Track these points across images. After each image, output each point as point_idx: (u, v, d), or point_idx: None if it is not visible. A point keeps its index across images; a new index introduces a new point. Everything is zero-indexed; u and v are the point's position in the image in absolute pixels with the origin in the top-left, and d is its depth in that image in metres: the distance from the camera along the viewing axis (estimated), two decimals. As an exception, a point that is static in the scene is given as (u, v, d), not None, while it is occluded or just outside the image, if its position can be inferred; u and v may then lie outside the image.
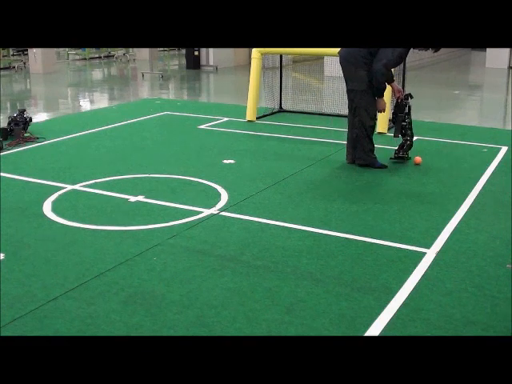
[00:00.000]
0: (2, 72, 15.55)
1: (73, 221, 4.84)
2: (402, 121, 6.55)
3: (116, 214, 5.01)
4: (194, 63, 16.53)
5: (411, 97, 6.56)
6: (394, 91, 6.65)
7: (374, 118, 6.49)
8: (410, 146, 6.61)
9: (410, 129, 6.56)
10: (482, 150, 7.19)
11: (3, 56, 16.37)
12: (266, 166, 6.53)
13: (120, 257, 4.17)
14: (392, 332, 3.25)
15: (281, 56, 9.96)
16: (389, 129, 8.12)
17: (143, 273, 3.94)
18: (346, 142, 6.85)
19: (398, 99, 6.58)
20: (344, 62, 6.42)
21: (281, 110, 9.70)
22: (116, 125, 8.75)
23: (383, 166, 6.43)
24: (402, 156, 6.61)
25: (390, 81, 6.58)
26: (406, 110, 6.52)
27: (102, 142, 7.67)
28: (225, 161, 6.70)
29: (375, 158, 6.48)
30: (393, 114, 6.73)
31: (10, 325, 3.29)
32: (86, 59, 19.24)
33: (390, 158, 6.66)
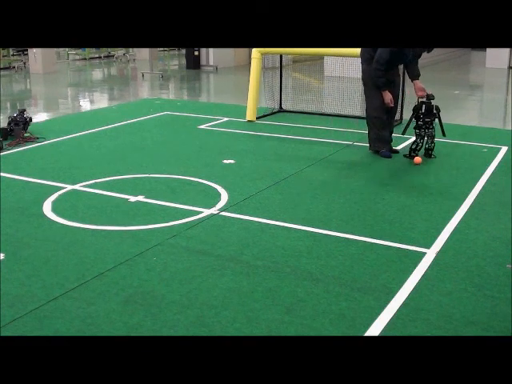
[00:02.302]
0: (2, 72, 15.55)
1: (73, 221, 4.84)
2: (411, 119, 6.70)
3: (116, 214, 5.01)
4: (194, 63, 16.53)
5: (431, 97, 6.62)
6: (415, 89, 6.77)
7: (378, 110, 6.73)
8: (416, 146, 6.67)
9: (425, 129, 6.61)
10: (482, 150, 7.19)
11: (3, 56, 16.37)
12: (266, 165, 6.53)
13: (120, 257, 4.17)
14: (392, 332, 3.25)
15: (281, 56, 9.96)
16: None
17: (143, 273, 3.94)
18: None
19: (418, 98, 6.70)
20: (360, 54, 6.98)
21: (281, 110, 9.70)
22: (116, 125, 8.75)
23: (387, 156, 6.74)
24: (410, 155, 6.71)
25: (414, 78, 6.78)
26: (423, 110, 6.60)
27: (102, 142, 7.67)
28: (225, 161, 6.70)
29: (382, 146, 6.81)
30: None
31: (9, 325, 3.30)
32: (86, 59, 19.24)
33: (404, 155, 6.78)
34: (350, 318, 3.38)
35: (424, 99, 6.64)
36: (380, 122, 6.81)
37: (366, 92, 6.90)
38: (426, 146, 6.70)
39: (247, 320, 3.36)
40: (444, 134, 6.75)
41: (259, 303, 3.55)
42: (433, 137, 6.67)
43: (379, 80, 6.61)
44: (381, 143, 6.83)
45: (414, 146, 6.68)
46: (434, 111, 6.62)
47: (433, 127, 6.64)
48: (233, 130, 8.41)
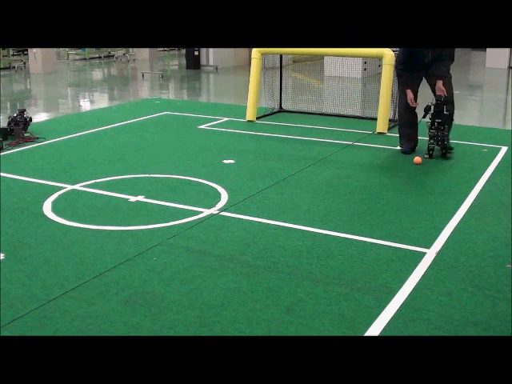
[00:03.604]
0: (2, 72, 15.55)
1: (73, 221, 4.84)
2: (420, 119, 6.91)
3: (116, 214, 5.01)
4: (194, 63, 16.54)
5: (439, 99, 6.67)
6: (435, 89, 6.83)
7: (399, 106, 7.10)
8: (428, 146, 6.78)
9: (436, 129, 6.68)
10: (481, 150, 7.19)
11: (3, 56, 16.38)
12: (266, 166, 6.53)
13: (120, 257, 4.17)
14: (392, 332, 3.25)
15: (281, 56, 9.96)
16: (389, 129, 8.14)
17: (143, 273, 3.94)
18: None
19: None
20: None
21: (281, 110, 9.70)
22: (116, 125, 8.75)
23: (405, 152, 7.01)
24: (428, 154, 6.80)
25: (437, 78, 6.75)
26: (431, 111, 6.69)
27: (102, 142, 7.67)
28: (225, 161, 6.70)
29: (403, 142, 7.09)
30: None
31: (9, 325, 3.30)
32: (86, 59, 19.25)
33: (424, 155, 6.83)
34: (350, 318, 3.38)
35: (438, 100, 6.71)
36: (400, 117, 7.14)
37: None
38: (441, 146, 6.71)
39: (247, 320, 3.36)
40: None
41: (259, 303, 3.55)
42: (444, 137, 6.66)
43: (399, 79, 6.97)
44: (402, 139, 7.12)
45: (429, 146, 6.77)
46: (445, 112, 6.64)
47: (444, 128, 6.65)
48: (233, 129, 8.41)
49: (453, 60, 6.81)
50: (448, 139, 6.76)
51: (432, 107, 6.68)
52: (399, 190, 5.72)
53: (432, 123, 6.69)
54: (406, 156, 6.89)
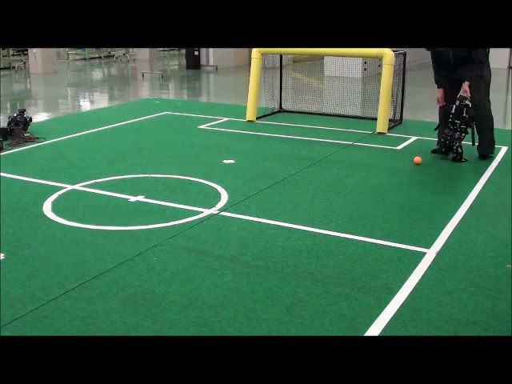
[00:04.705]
0: (2, 72, 15.55)
1: (73, 221, 4.84)
2: (440, 119, 6.94)
3: (116, 214, 5.01)
4: (194, 63, 16.54)
5: (460, 100, 6.64)
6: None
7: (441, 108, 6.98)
8: (443, 144, 6.75)
9: (453, 130, 6.63)
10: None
11: (3, 56, 16.38)
12: (266, 166, 6.53)
13: (120, 257, 4.17)
14: (392, 332, 3.24)
15: (281, 56, 9.97)
16: (389, 129, 8.14)
17: (143, 273, 3.94)
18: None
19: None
20: None
21: (281, 110, 9.70)
22: (116, 125, 8.75)
23: (433, 152, 6.98)
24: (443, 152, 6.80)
25: (464, 80, 6.71)
26: (452, 111, 6.63)
27: (102, 142, 7.67)
28: (225, 161, 6.70)
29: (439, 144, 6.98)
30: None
31: (9, 325, 3.29)
32: (86, 59, 19.25)
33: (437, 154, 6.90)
34: (350, 318, 3.38)
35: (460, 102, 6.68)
36: (442, 120, 6.99)
37: None
38: (446, 147, 6.68)
39: (247, 320, 3.36)
40: (473, 144, 6.75)
41: (259, 303, 3.55)
42: (458, 139, 6.61)
43: (434, 76, 6.97)
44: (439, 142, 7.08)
45: (446, 145, 6.75)
46: (464, 114, 6.57)
47: (460, 130, 6.60)
48: (233, 129, 8.41)
49: (482, 63, 6.65)
50: (475, 144, 6.77)
51: (454, 107, 6.63)
52: (399, 190, 5.72)
53: (452, 123, 6.62)
54: (406, 156, 6.89)
